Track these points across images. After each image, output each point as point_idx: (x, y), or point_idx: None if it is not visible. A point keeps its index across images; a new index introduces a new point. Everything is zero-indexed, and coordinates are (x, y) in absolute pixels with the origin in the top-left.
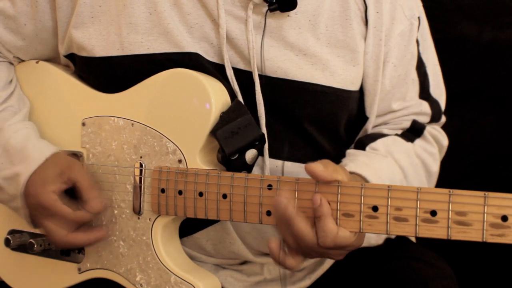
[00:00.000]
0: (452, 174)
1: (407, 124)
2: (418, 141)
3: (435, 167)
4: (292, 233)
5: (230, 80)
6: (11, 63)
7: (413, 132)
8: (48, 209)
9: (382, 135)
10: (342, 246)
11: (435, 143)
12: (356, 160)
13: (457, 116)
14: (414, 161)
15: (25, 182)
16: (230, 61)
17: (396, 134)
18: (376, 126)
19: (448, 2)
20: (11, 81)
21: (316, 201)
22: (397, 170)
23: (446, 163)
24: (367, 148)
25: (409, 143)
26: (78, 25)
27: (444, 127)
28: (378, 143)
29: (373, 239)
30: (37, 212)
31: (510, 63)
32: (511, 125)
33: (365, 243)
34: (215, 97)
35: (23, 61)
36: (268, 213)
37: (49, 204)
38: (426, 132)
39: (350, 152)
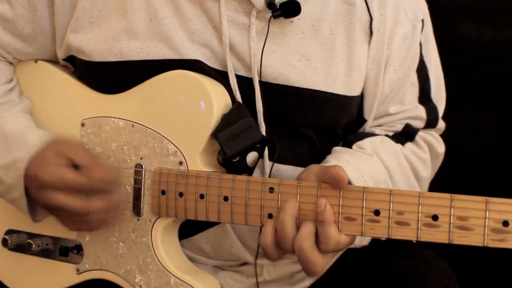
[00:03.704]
0: (452, 175)
1: (399, 127)
2: (408, 145)
3: (425, 173)
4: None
5: (233, 87)
6: (11, 63)
7: (404, 135)
8: (55, 179)
9: (371, 135)
10: (338, 250)
11: (427, 149)
12: (339, 158)
13: (457, 117)
14: (402, 163)
15: (25, 167)
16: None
17: (387, 135)
18: (370, 127)
19: (448, 2)
20: (11, 80)
21: (320, 206)
22: (382, 170)
23: (446, 164)
24: (354, 146)
25: (399, 145)
26: (77, 29)
27: (444, 129)
28: (366, 142)
29: (365, 239)
30: (44, 192)
31: (510, 63)
32: (511, 126)
33: (355, 245)
34: (217, 99)
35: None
36: (270, 216)
37: (54, 174)
38: (418, 137)
39: (336, 149)
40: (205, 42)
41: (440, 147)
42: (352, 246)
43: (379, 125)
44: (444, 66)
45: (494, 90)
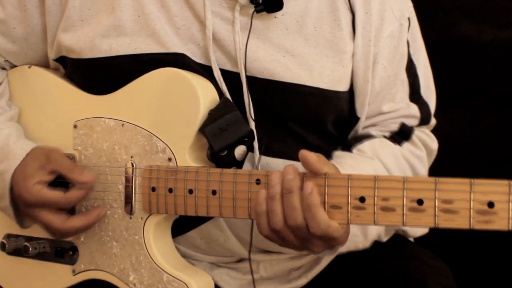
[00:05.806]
0: (452, 175)
1: (395, 126)
2: (406, 145)
3: (423, 171)
4: (286, 206)
5: (218, 81)
6: (3, 68)
7: (401, 135)
8: (37, 200)
9: (369, 137)
10: (330, 237)
11: (423, 147)
12: (341, 163)
13: (457, 116)
14: (402, 164)
15: (10, 179)
16: (218, 63)
17: (384, 136)
18: (365, 127)
19: (448, 2)
20: (0, 84)
21: (307, 189)
22: (383, 172)
23: (446, 164)
24: (354, 150)
25: (397, 146)
26: (68, 28)
27: (444, 127)
28: (365, 145)
29: (360, 243)
30: (29, 209)
31: (510, 63)
32: (511, 125)
33: (353, 248)
34: (203, 95)
35: (14, 66)
36: None
37: (35, 195)
38: (414, 136)
39: (337, 154)
40: (191, 37)
41: (433, 144)
42: (352, 249)
43: (373, 124)
44: (445, 66)
45: (494, 90)
